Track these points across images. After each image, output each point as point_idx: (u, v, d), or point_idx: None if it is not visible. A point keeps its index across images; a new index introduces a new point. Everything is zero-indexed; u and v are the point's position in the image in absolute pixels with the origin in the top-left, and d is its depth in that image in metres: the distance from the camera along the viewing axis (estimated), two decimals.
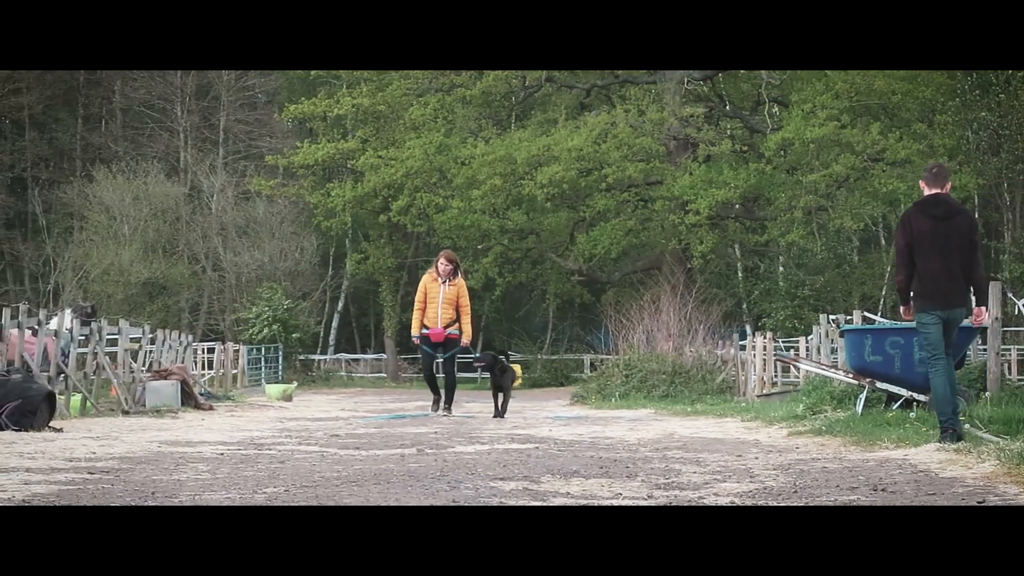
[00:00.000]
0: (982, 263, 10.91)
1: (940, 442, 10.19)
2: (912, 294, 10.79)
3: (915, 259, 10.67)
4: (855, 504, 6.38)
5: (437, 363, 18.87)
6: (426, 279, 17.91)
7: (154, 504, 6.64)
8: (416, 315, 17.86)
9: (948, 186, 10.83)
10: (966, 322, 11.05)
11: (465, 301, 17.83)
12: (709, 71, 42.99)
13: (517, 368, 48.08)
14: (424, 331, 17.75)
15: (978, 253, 10.74)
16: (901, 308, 11.12)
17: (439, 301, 17.59)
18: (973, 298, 10.89)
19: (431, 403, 18.36)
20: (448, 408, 18.02)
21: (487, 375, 18.38)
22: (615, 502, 6.75)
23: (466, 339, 17.86)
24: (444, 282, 17.68)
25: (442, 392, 18.32)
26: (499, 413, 17.38)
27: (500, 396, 17.65)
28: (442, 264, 17.71)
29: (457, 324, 17.74)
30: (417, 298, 17.95)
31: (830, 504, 6.36)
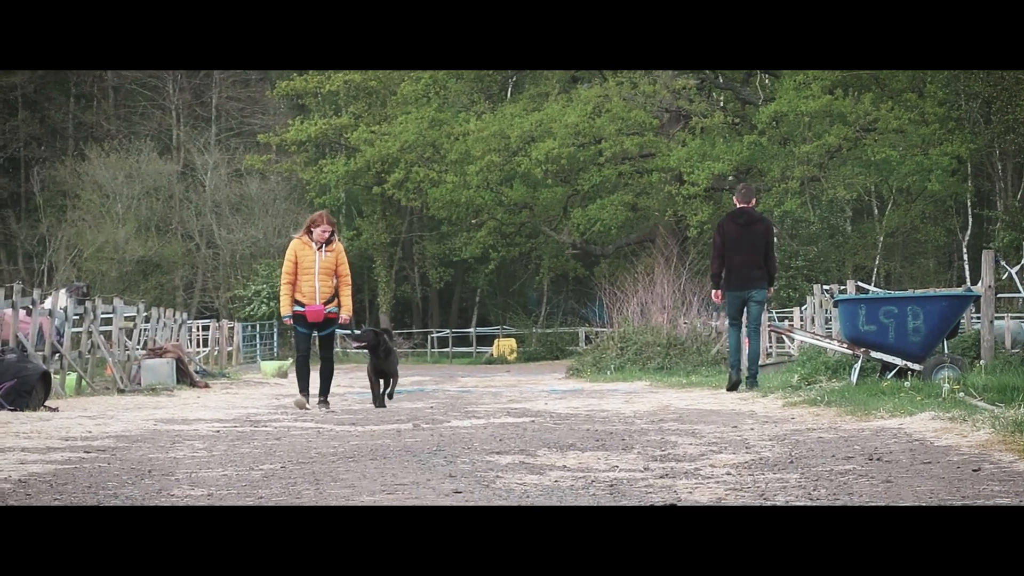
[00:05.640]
0: (775, 258, 15.73)
1: (747, 388, 15.20)
2: (723, 278, 15.55)
3: (725, 254, 15.40)
4: (853, 499, 6.42)
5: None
6: (296, 245, 14.57)
7: (131, 504, 6.65)
8: (286, 289, 14.50)
9: (755, 202, 15.99)
10: (959, 291, 12.48)
11: (345, 270, 14.66)
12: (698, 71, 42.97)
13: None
14: (299, 308, 14.45)
15: (773, 251, 15.66)
16: (712, 292, 15.84)
17: (315, 271, 14.38)
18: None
19: (295, 400, 14.71)
20: (325, 400, 14.65)
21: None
22: (611, 474, 6.77)
23: (346, 315, 14.66)
24: (320, 248, 14.47)
25: (316, 382, 14.77)
26: (381, 402, 14.86)
27: (382, 381, 15.04)
28: (320, 228, 14.48)
29: (336, 300, 14.60)
30: (285, 269, 14.62)
31: (832, 504, 6.39)
